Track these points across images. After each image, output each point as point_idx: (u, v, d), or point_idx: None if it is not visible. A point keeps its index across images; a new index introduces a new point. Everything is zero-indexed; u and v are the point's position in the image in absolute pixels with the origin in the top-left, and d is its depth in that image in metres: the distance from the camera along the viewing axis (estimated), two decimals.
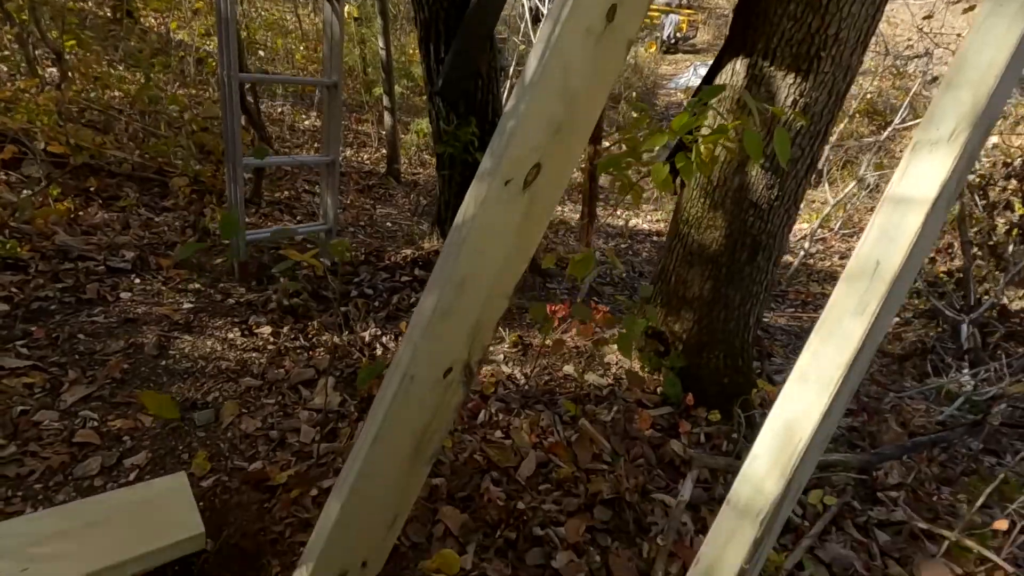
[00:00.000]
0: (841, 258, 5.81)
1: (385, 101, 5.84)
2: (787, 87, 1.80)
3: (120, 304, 2.43)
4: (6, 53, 4.87)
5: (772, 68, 1.81)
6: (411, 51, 9.26)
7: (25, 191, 3.10)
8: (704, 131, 1.65)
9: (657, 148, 1.71)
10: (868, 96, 8.57)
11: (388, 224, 4.87)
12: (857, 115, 8.59)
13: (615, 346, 2.62)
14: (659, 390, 2.39)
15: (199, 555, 1.41)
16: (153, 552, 1.27)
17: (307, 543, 1.32)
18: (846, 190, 5.70)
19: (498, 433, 2.06)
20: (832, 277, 5.37)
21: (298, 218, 4.28)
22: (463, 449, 1.91)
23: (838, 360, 0.68)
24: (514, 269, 1.32)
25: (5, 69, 4.77)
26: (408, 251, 3.68)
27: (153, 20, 6.71)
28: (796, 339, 4.02)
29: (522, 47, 10.02)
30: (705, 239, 2.10)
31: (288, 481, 1.67)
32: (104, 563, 1.21)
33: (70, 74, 4.49)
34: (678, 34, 14.39)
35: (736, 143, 1.63)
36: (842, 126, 7.23)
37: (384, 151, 6.81)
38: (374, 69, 8.01)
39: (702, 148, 1.47)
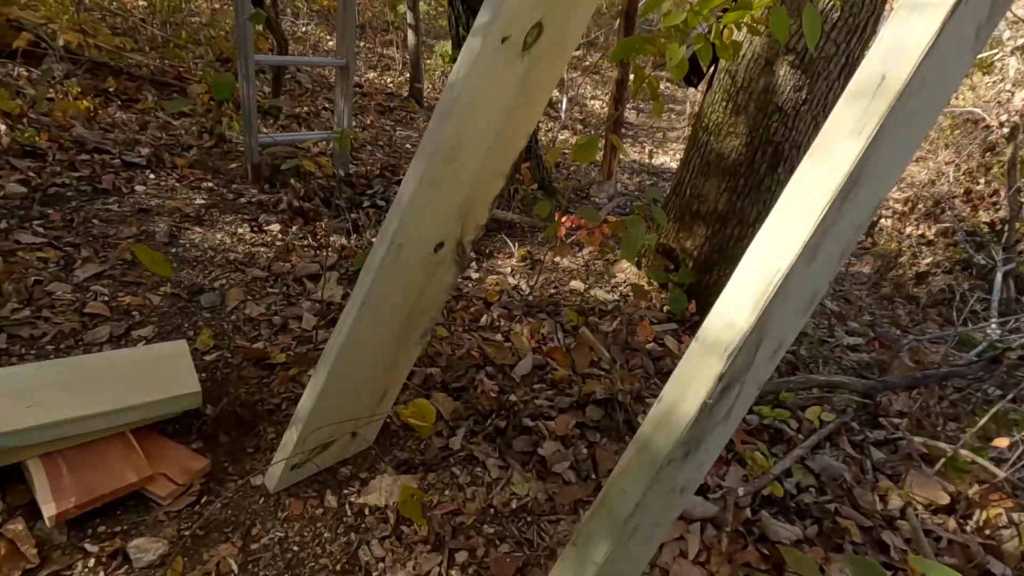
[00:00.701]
0: None
1: (409, 18, 5.62)
2: None
3: (134, 196, 2.46)
4: None
5: None
6: None
7: (42, 86, 3.11)
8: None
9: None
10: None
11: (407, 146, 4.79)
12: None
13: (625, 265, 2.58)
14: (665, 308, 2.36)
15: (199, 418, 1.47)
16: (150, 403, 1.33)
17: (295, 411, 1.35)
18: None
19: (498, 336, 2.07)
20: None
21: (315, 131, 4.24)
22: (460, 346, 1.92)
23: (827, 185, 0.63)
24: (510, 144, 1.27)
25: None
26: None
27: None
28: None
29: None
30: (724, 147, 2.00)
31: (287, 360, 1.71)
32: (104, 408, 1.26)
33: None
34: None
35: (762, 23, 1.50)
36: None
37: (407, 75, 6.62)
38: None
39: (722, 27, 1.36)
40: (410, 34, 5.68)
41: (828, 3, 1.62)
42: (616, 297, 2.45)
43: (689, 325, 2.26)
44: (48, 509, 1.13)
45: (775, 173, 1.97)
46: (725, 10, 1.40)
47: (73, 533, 1.16)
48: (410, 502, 0.98)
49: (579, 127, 7.19)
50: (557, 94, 6.95)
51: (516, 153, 1.29)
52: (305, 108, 4.68)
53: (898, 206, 5.58)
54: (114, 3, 4.74)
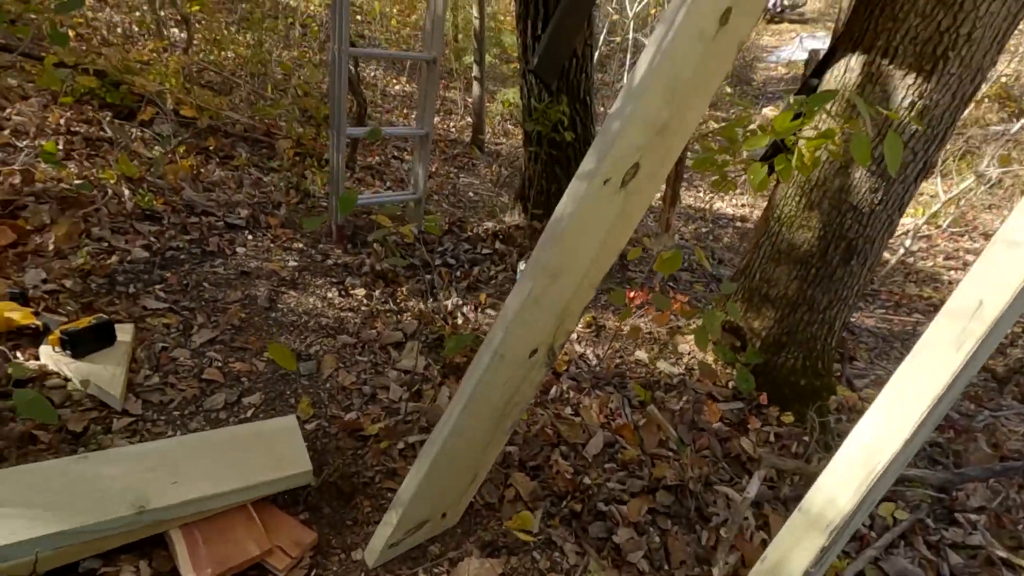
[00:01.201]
0: (946, 258, 5.37)
1: (475, 71, 5.90)
2: (906, 88, 1.70)
3: (236, 258, 2.71)
4: (138, 14, 5.34)
5: (891, 67, 1.71)
6: (502, 19, 9.21)
7: (156, 148, 3.46)
8: (808, 132, 1.61)
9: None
10: (1002, 79, 7.68)
11: (471, 194, 5.01)
12: (986, 99, 7.73)
13: (690, 336, 2.63)
14: (731, 384, 2.40)
15: (304, 489, 1.62)
16: (271, 481, 1.49)
17: (397, 491, 1.49)
18: (962, 185, 5.20)
19: (568, 410, 2.16)
20: (933, 279, 4.99)
21: (387, 183, 4.50)
22: (535, 422, 2.03)
23: (927, 393, 0.71)
24: (604, 262, 1.39)
25: (137, 30, 5.24)
26: (490, 224, 3.80)
27: None
28: (883, 343, 3.82)
29: (614, 16, 9.71)
30: (796, 238, 2.05)
31: (379, 433, 1.86)
32: (234, 486, 1.43)
33: (194, 38, 4.85)
34: (785, 1, 13.36)
35: (841, 146, 1.58)
36: (966, 112, 6.55)
37: (469, 119, 6.91)
38: (465, 37, 8.06)
39: (805, 152, 1.45)
40: (475, 85, 5.96)
41: (906, 118, 1.68)
42: (681, 371, 2.51)
43: (754, 405, 2.29)
44: None
45: (847, 266, 2.01)
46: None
47: None
48: None
49: None
50: None
51: (608, 268, 1.41)
52: (376, 157, 4.97)
53: None
54: (211, 56, 5.21)
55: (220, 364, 2.03)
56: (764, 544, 1.69)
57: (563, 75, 3.12)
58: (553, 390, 2.26)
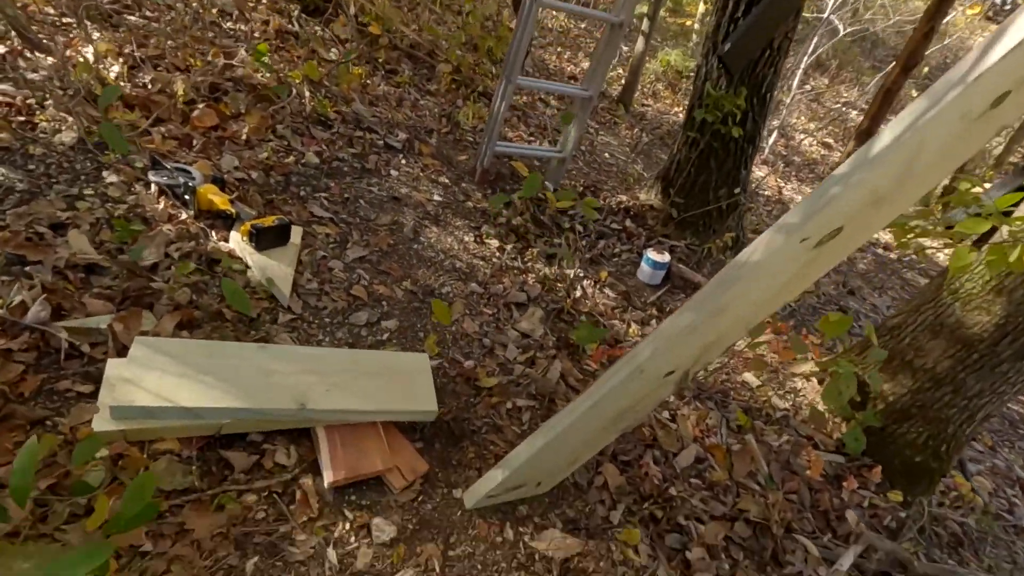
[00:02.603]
0: None
1: (644, 24, 5.59)
2: None
3: (390, 180, 2.88)
4: None
5: None
6: None
7: (333, 50, 3.65)
8: None
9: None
10: None
11: (606, 155, 4.90)
12: None
13: (804, 368, 2.55)
14: (837, 436, 2.32)
15: (423, 424, 1.81)
16: (403, 411, 1.67)
17: (507, 455, 1.63)
18: None
19: (665, 414, 2.21)
20: None
21: (531, 128, 4.49)
22: None
23: None
24: (769, 310, 1.37)
25: None
26: (623, 198, 3.74)
27: None
28: (1011, 428, 3.49)
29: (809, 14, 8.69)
30: (968, 319, 1.89)
31: (492, 388, 2.01)
32: (374, 407, 1.62)
33: None
34: None
35: None
36: None
37: (621, 71, 6.64)
38: None
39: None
40: (640, 41, 5.66)
41: None
42: (787, 406, 2.45)
43: (858, 466, 2.22)
44: (328, 476, 1.52)
45: (1018, 363, 1.83)
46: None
47: (337, 497, 1.54)
48: None
49: (781, 165, 6.76)
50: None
51: (769, 314, 1.39)
52: (524, 99, 4.94)
53: None
54: None
55: (366, 284, 2.23)
56: None
57: (751, 66, 2.91)
58: None
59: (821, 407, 2.32)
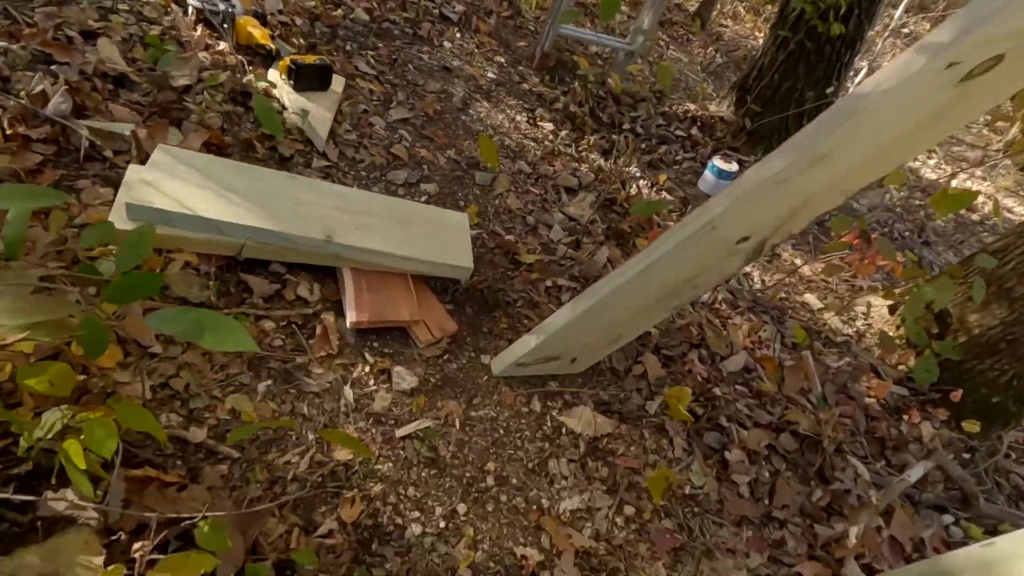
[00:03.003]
0: None
1: None
2: None
3: (442, 51, 2.66)
4: None
5: None
6: None
7: None
8: None
9: None
10: None
11: (675, 70, 4.50)
12: None
13: (874, 299, 2.31)
14: (903, 367, 2.11)
15: (455, 285, 1.68)
16: (435, 264, 1.54)
17: (544, 320, 1.49)
18: None
19: (716, 321, 2.02)
20: None
21: (599, 30, 4.13)
22: (683, 316, 1.92)
23: None
24: (878, 168, 1.15)
25: None
26: (692, 106, 3.42)
27: None
28: None
29: None
30: None
31: (533, 264, 1.85)
32: (406, 253, 1.49)
33: None
34: None
35: None
36: None
37: None
38: None
39: None
40: None
41: None
42: (850, 332, 2.23)
43: (925, 400, 2.01)
44: (351, 316, 1.41)
45: None
46: None
47: (358, 340, 1.44)
48: (660, 481, 1.06)
49: None
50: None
51: (878, 177, 1.17)
52: None
53: None
54: None
55: (408, 145, 2.07)
56: (878, 530, 1.56)
57: None
58: (707, 295, 2.11)
59: (891, 330, 2.09)
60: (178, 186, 1.33)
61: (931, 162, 5.75)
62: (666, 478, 1.08)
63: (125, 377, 1.11)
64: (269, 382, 1.26)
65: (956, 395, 1.82)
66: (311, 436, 1.22)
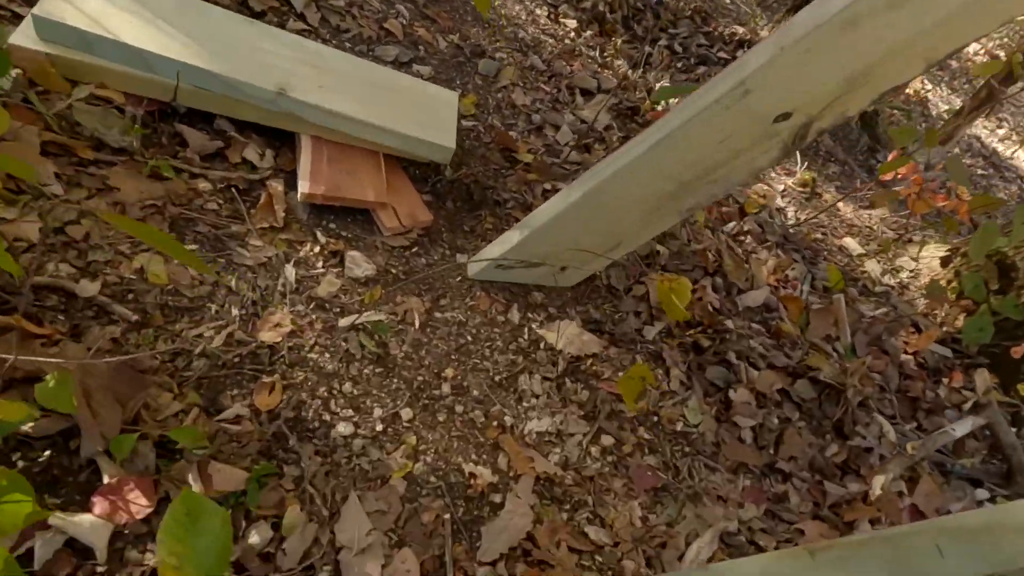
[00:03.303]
0: None
1: None
2: None
3: None
4: None
5: None
6: None
7: None
8: None
9: None
10: None
11: (726, 0, 4.06)
12: None
13: (922, 251, 2.01)
14: (946, 327, 1.83)
15: (437, 174, 1.45)
16: (410, 138, 1.31)
17: (530, 214, 1.26)
18: None
19: (739, 251, 1.77)
20: None
21: None
22: (699, 240, 1.67)
23: None
24: (991, 17, 0.86)
25: None
26: (740, 29, 3.03)
27: None
28: None
29: None
30: None
31: (531, 163, 1.61)
32: (376, 121, 1.26)
33: None
34: None
35: None
36: None
37: None
38: None
39: None
40: None
41: None
42: (893, 283, 1.95)
43: (970, 364, 1.74)
44: (303, 186, 1.20)
45: None
46: None
47: (312, 217, 1.24)
48: (635, 382, 0.86)
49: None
50: None
51: (976, 35, 0.88)
52: None
53: None
54: None
55: (405, 22, 1.81)
56: (899, 496, 1.34)
57: None
58: (731, 225, 1.85)
59: (944, 281, 1.81)
60: (103, 6, 1.11)
61: (1000, 131, 5.23)
62: (642, 378, 0.86)
63: (11, 213, 0.93)
64: (195, 247, 1.07)
65: (1018, 350, 1.55)
66: (235, 312, 1.03)
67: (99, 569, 0.73)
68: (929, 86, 5.35)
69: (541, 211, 1.21)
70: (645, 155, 1.04)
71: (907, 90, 4.91)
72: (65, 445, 0.79)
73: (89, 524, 0.73)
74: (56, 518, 0.72)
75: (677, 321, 1.47)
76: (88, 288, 0.91)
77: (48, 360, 0.76)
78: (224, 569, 0.45)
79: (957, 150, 2.91)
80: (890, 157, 1.81)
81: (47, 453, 0.77)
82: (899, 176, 1.88)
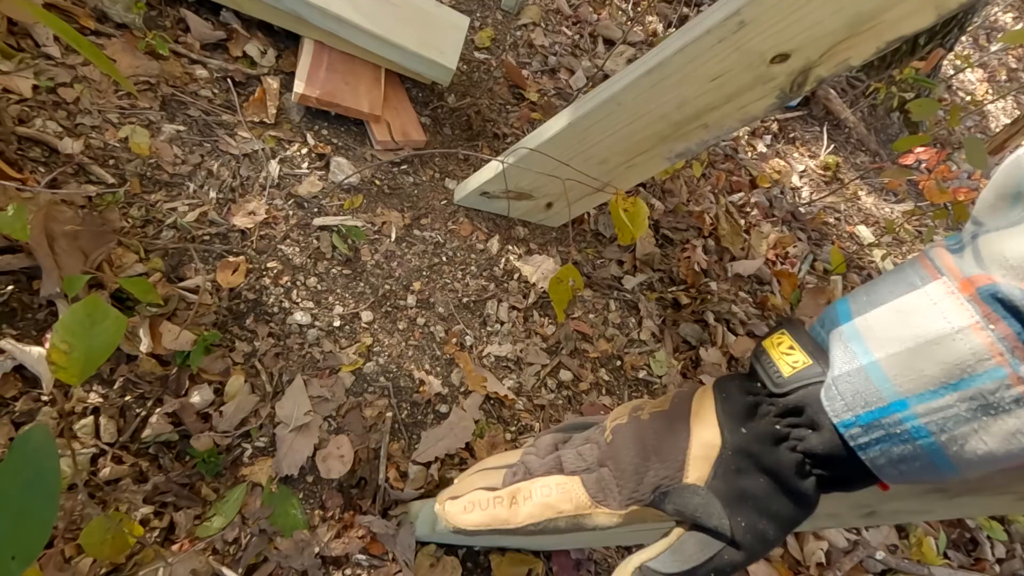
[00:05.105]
0: None
1: None
2: None
3: None
4: None
5: None
6: None
7: None
8: None
9: None
10: None
11: None
12: None
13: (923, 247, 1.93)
14: None
15: (440, 100, 1.45)
16: (410, 53, 1.30)
17: (519, 141, 1.25)
18: None
19: (741, 221, 1.73)
20: None
21: None
22: (697, 200, 1.63)
23: None
24: None
25: None
26: None
27: None
28: None
29: None
30: None
31: (537, 102, 1.59)
32: (380, 32, 1.25)
33: None
34: None
35: None
36: None
37: None
38: None
39: None
40: None
41: None
42: None
43: None
44: (298, 86, 1.21)
45: None
46: None
47: (305, 120, 1.25)
48: (563, 286, 0.86)
49: (1003, 76, 5.25)
50: None
51: None
52: None
53: None
54: None
55: None
56: None
57: None
58: (738, 196, 1.80)
59: None
60: None
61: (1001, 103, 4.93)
62: (571, 281, 0.84)
63: (7, 67, 0.96)
64: (182, 128, 1.09)
65: None
66: (212, 195, 1.05)
67: (43, 398, 0.77)
68: (991, 93, 5.07)
69: (526, 141, 1.20)
70: (636, 82, 1.01)
71: (966, 97, 4.66)
72: (28, 284, 0.83)
73: (38, 355, 0.77)
74: (7, 343, 0.76)
75: (663, 278, 1.45)
76: (71, 146, 0.95)
77: (18, 197, 0.79)
78: (104, 359, 0.48)
79: (980, 135, 2.76)
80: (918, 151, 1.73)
81: (9, 288, 0.82)
82: (925, 167, 1.80)
